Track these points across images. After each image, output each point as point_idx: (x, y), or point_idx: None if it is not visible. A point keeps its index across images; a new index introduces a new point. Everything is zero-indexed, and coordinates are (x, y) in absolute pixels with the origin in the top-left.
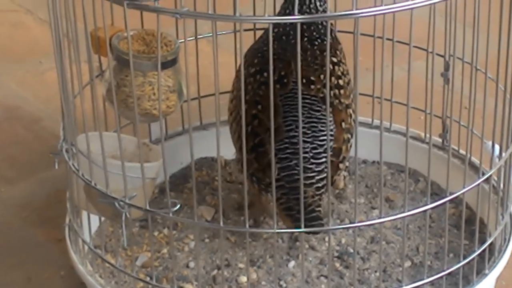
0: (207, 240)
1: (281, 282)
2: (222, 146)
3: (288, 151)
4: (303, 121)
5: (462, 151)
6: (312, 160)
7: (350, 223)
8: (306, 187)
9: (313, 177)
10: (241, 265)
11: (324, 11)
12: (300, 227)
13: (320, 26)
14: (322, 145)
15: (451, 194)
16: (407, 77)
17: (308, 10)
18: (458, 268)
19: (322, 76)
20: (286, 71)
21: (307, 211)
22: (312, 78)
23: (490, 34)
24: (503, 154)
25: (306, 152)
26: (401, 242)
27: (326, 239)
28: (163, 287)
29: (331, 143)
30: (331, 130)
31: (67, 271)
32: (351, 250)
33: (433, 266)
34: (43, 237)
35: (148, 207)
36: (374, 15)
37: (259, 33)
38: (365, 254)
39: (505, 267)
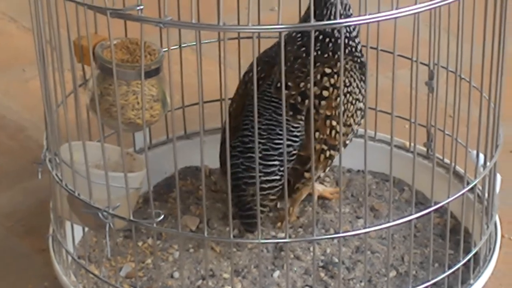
0: (191, 250)
1: None
2: (206, 155)
3: (238, 149)
4: (261, 122)
5: (446, 160)
6: (259, 161)
7: (335, 233)
8: (248, 186)
9: (254, 184)
10: (226, 275)
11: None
12: (241, 225)
13: (333, 40)
14: (277, 149)
15: (436, 203)
16: (392, 86)
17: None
18: (443, 278)
19: (301, 84)
20: (266, 73)
21: (243, 209)
22: (289, 83)
23: (474, 43)
24: (488, 163)
25: (254, 159)
26: (386, 252)
27: (311, 249)
28: None
29: (297, 150)
30: (297, 137)
31: (51, 282)
32: (336, 260)
33: (418, 276)
34: (27, 247)
35: (132, 218)
36: (359, 24)
37: (243, 42)
38: (350, 264)
39: (490, 277)
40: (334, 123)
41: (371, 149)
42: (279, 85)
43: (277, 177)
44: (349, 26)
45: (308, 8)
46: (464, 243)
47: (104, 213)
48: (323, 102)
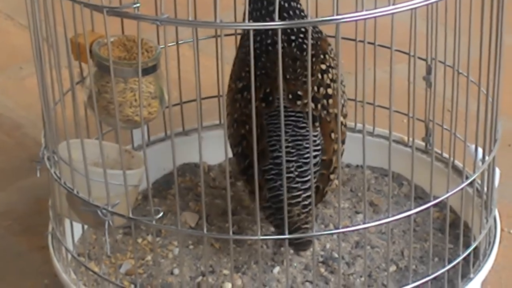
0: (191, 247)
1: None
2: (204, 151)
3: (273, 172)
4: (287, 140)
5: (445, 155)
6: (297, 179)
7: (335, 228)
8: (292, 207)
9: (299, 195)
10: (225, 272)
11: (302, 10)
12: (291, 246)
13: (304, 35)
14: (307, 162)
15: (435, 198)
16: (390, 81)
17: (286, 13)
18: (443, 272)
19: (303, 88)
20: (271, 87)
21: (291, 230)
22: (299, 92)
23: (471, 37)
24: (486, 157)
25: (291, 172)
26: (386, 247)
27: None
28: None
29: (321, 156)
30: (319, 144)
31: (51, 280)
32: (336, 255)
33: (418, 270)
34: (25, 245)
35: (131, 215)
36: (356, 20)
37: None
38: (350, 259)
39: (490, 271)
40: (342, 118)
41: (370, 144)
42: (290, 96)
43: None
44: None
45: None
46: (463, 237)
47: (103, 210)
48: (330, 101)
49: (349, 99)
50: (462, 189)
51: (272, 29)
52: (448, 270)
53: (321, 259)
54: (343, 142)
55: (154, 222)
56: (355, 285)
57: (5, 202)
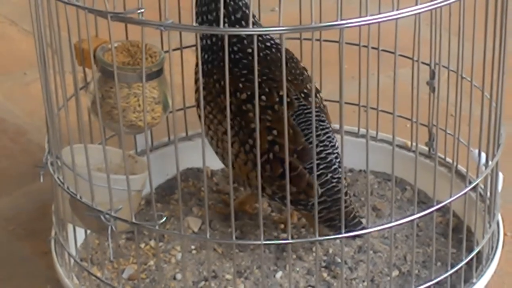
0: (194, 252)
1: None
2: (208, 156)
3: (321, 166)
4: (319, 134)
5: (448, 159)
6: (339, 169)
7: (338, 233)
8: (344, 196)
9: (345, 185)
10: (228, 276)
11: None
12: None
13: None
14: (338, 153)
15: (438, 202)
16: (393, 85)
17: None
18: (446, 277)
19: (308, 86)
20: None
21: (350, 219)
22: (305, 90)
23: (475, 42)
24: (490, 162)
25: (335, 164)
26: (388, 251)
27: (313, 249)
28: None
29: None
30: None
31: (54, 285)
32: (339, 260)
33: (420, 275)
34: (29, 250)
35: (134, 220)
36: (359, 25)
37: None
38: (352, 264)
39: (493, 276)
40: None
41: (373, 149)
42: (303, 95)
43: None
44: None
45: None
46: (466, 242)
47: (107, 215)
48: (319, 94)
49: (352, 103)
50: (465, 193)
51: (249, 35)
52: (450, 275)
53: (323, 264)
54: None
55: (157, 227)
56: None
57: (10, 207)
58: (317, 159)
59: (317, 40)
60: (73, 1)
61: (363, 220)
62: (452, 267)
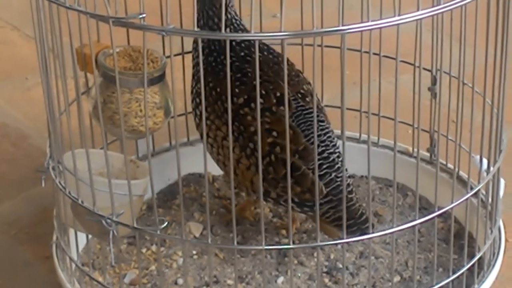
0: (195, 257)
1: None
2: (209, 162)
3: (324, 166)
4: (320, 135)
5: (450, 165)
6: (342, 169)
7: (339, 238)
8: (350, 194)
9: (349, 184)
10: (230, 282)
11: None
12: (352, 234)
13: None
14: (340, 152)
15: (439, 208)
16: (395, 91)
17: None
18: (448, 283)
19: (305, 87)
20: (280, 90)
21: (357, 216)
22: (301, 91)
23: (476, 48)
24: (491, 168)
25: (337, 163)
26: (390, 257)
27: (315, 254)
28: None
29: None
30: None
31: None
32: (340, 266)
33: (422, 281)
34: (31, 255)
35: (135, 225)
36: (361, 31)
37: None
38: (354, 269)
39: (495, 282)
40: None
41: (374, 154)
42: (300, 95)
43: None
44: None
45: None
46: (468, 248)
47: (108, 220)
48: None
49: (353, 109)
50: (466, 199)
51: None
52: (452, 281)
53: (325, 270)
54: None
55: (158, 232)
56: None
57: (11, 211)
58: (319, 159)
59: (318, 45)
60: (75, 6)
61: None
62: (453, 273)
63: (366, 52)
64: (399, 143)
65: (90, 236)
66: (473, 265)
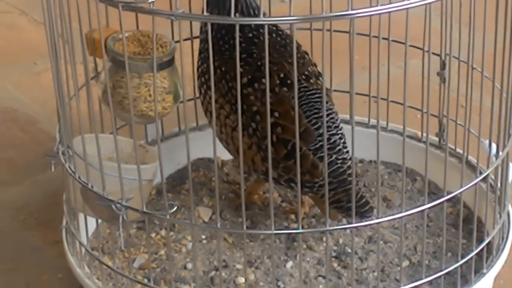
0: (204, 241)
1: (279, 283)
2: (218, 146)
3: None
4: (321, 116)
5: (459, 150)
6: (344, 150)
7: (348, 223)
8: (349, 177)
9: (349, 167)
10: (239, 266)
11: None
12: (350, 217)
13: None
14: (342, 134)
15: (448, 193)
16: (404, 76)
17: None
18: (456, 267)
19: (310, 68)
20: (284, 72)
21: (357, 199)
22: (306, 72)
23: (486, 33)
24: (500, 152)
25: (339, 144)
26: (399, 242)
27: (324, 239)
28: None
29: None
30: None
31: (65, 274)
32: (349, 250)
33: (431, 265)
34: (40, 240)
35: (145, 209)
36: (370, 15)
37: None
38: (363, 254)
39: (503, 266)
40: None
41: (383, 139)
42: (304, 77)
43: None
44: None
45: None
46: (477, 233)
47: (118, 205)
48: (321, 78)
49: (362, 94)
50: (475, 184)
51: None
52: (461, 265)
53: (334, 254)
54: None
55: (168, 217)
56: (368, 280)
57: (20, 196)
58: (321, 140)
59: (327, 30)
60: None
61: (374, 211)
62: (462, 258)
63: (375, 36)
64: (408, 128)
65: (99, 220)
66: (481, 249)
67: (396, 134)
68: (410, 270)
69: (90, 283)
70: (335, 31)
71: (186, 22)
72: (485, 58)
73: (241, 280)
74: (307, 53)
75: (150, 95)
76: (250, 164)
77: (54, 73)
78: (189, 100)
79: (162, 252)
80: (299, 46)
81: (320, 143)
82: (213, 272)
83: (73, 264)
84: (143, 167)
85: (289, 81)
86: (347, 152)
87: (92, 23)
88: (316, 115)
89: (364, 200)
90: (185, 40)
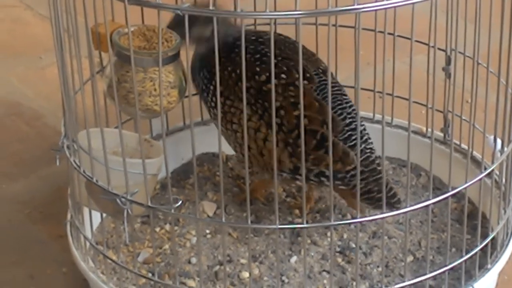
0: (209, 236)
1: (283, 278)
2: (223, 141)
3: (353, 137)
4: (345, 107)
5: (464, 146)
6: (369, 141)
7: (352, 218)
8: (379, 166)
9: (376, 157)
10: (243, 261)
11: None
12: (380, 208)
13: None
14: (364, 125)
15: (453, 188)
16: (409, 71)
17: None
18: (461, 263)
19: (323, 64)
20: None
21: (387, 189)
22: (321, 67)
23: (491, 28)
24: (505, 148)
25: (364, 135)
26: (403, 237)
27: (328, 234)
28: (165, 283)
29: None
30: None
31: (69, 268)
32: (353, 245)
33: (435, 261)
34: (45, 234)
35: (150, 204)
36: (376, 10)
37: (260, 29)
38: (367, 249)
39: (508, 262)
40: None
41: (388, 134)
42: (321, 70)
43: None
44: None
45: None
46: (481, 229)
47: (122, 199)
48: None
49: (367, 89)
50: (480, 180)
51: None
52: (465, 261)
53: (338, 249)
54: None
55: (172, 211)
56: (372, 275)
57: (25, 190)
58: (348, 130)
59: (333, 25)
60: None
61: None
62: (466, 253)
63: (380, 32)
64: (413, 123)
65: (104, 215)
66: (486, 245)
67: (401, 129)
68: (414, 265)
69: (94, 277)
70: (340, 26)
71: None
72: (491, 54)
73: (245, 274)
74: (314, 54)
75: (155, 90)
76: (273, 164)
77: (60, 67)
78: (194, 94)
79: (167, 246)
80: (305, 47)
81: (348, 133)
82: (218, 267)
83: (78, 258)
84: (148, 161)
85: (308, 75)
86: (372, 143)
87: (97, 17)
88: (340, 106)
89: (393, 191)
90: None
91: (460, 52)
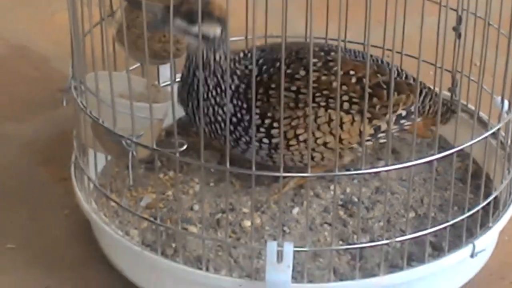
0: (212, 184)
1: (285, 228)
2: None
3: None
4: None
5: (471, 106)
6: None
7: (355, 170)
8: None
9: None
10: (245, 210)
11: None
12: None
13: None
14: None
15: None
16: (419, 31)
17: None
18: (462, 220)
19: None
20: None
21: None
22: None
23: None
24: None
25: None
26: (405, 193)
27: (331, 187)
28: (167, 226)
29: None
30: None
31: (71, 210)
32: (356, 199)
33: (437, 217)
34: (47, 176)
35: (154, 146)
36: None
37: None
38: (369, 204)
39: (509, 222)
40: None
41: None
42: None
43: None
44: None
45: None
46: (484, 188)
47: (128, 141)
48: None
49: (377, 47)
50: (485, 139)
51: None
52: (467, 219)
53: (340, 202)
54: None
55: (177, 154)
56: (373, 229)
57: (30, 132)
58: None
59: None
60: None
61: (382, 162)
62: (468, 211)
63: None
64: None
65: (108, 158)
66: (488, 204)
67: None
68: (416, 222)
69: (97, 218)
70: None
71: None
72: (503, 16)
73: (247, 223)
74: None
75: (164, 36)
76: (358, 139)
77: (70, 7)
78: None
79: (170, 192)
80: None
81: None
82: (220, 215)
83: (81, 199)
84: (154, 105)
85: (332, 53)
86: None
87: None
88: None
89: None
90: None
91: (471, 13)
